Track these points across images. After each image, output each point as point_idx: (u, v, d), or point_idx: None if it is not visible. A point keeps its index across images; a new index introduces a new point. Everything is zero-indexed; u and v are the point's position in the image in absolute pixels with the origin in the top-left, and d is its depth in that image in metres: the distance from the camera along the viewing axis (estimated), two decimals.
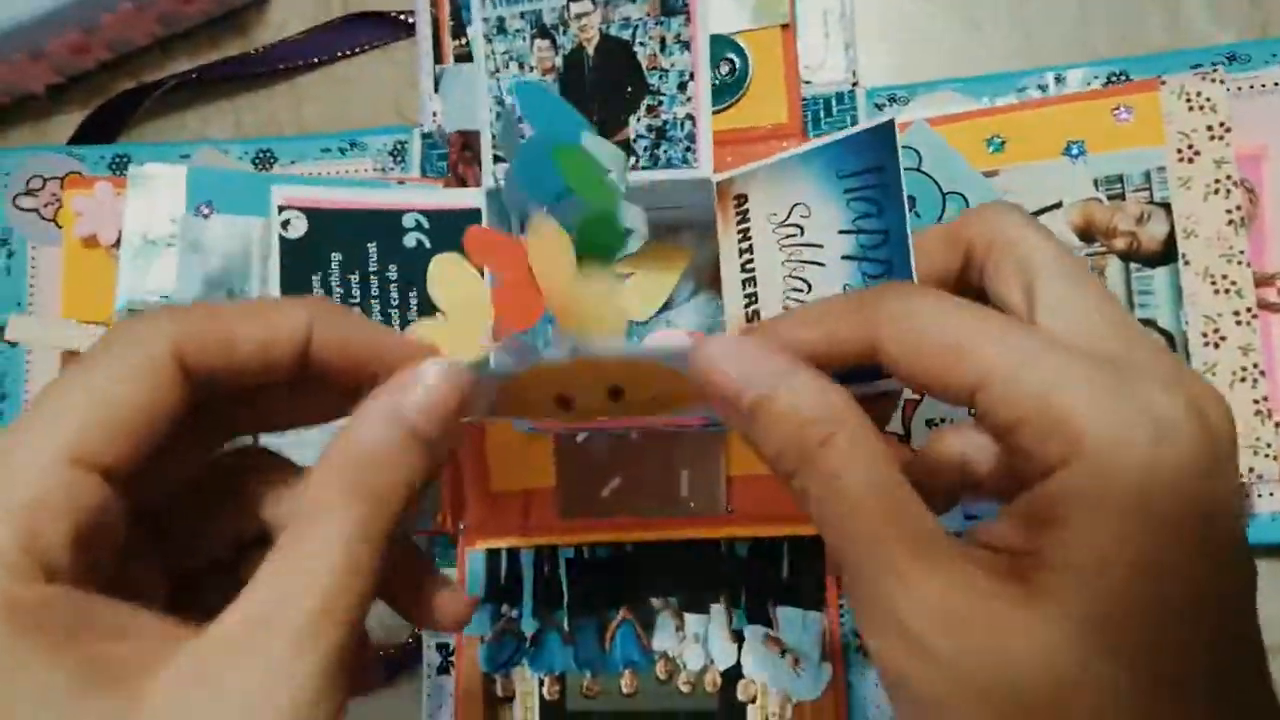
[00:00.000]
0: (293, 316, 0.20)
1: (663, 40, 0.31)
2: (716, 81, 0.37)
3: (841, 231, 0.29)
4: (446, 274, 0.29)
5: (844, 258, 0.29)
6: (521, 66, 0.31)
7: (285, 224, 0.30)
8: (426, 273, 0.31)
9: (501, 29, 0.31)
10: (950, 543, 0.19)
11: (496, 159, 0.31)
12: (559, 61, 0.31)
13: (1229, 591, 0.18)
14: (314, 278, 0.30)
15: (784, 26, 0.38)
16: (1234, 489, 0.19)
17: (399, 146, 0.40)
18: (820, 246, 0.29)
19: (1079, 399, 0.18)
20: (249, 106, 0.43)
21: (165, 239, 0.37)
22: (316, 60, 0.42)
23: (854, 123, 0.38)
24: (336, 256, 0.30)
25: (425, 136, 0.40)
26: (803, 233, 0.30)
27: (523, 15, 0.31)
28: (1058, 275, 0.20)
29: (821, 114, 0.38)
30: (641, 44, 0.31)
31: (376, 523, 0.18)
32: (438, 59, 0.40)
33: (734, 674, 0.35)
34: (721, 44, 0.38)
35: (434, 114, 0.39)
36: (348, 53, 0.42)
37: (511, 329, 0.28)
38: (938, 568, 0.18)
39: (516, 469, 0.37)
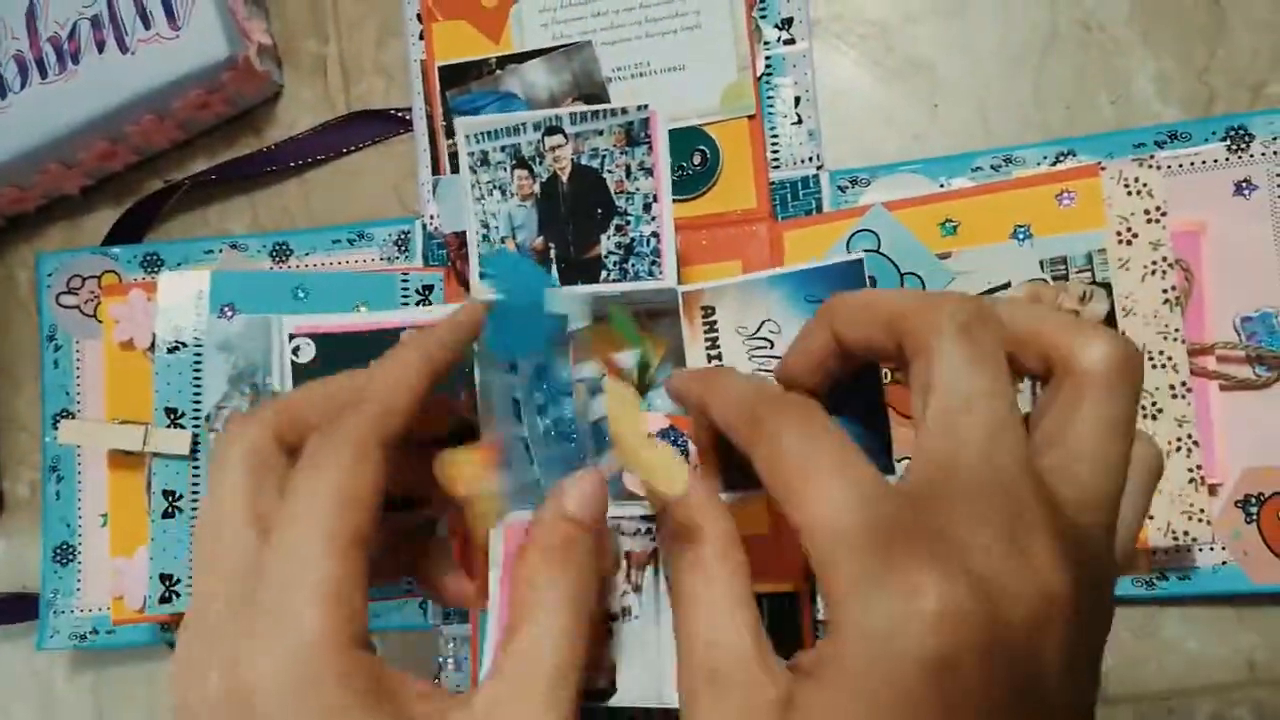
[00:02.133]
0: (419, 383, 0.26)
1: (628, 168, 0.34)
2: (690, 171, 0.41)
3: None
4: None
5: None
6: (504, 193, 0.34)
7: (295, 350, 0.34)
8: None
9: (485, 161, 0.34)
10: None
11: (482, 275, 0.35)
12: (537, 188, 0.34)
13: None
14: None
15: (750, 117, 0.41)
16: (1021, 657, 0.19)
17: (403, 236, 0.44)
18: None
19: (839, 582, 0.19)
20: (264, 200, 0.46)
21: (193, 341, 0.41)
22: (323, 156, 0.45)
23: (819, 206, 0.40)
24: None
25: (424, 226, 0.43)
26: (772, 346, 0.33)
27: (503, 149, 0.34)
28: (940, 411, 0.21)
29: (789, 197, 0.41)
30: (609, 171, 0.34)
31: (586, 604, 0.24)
32: (433, 154, 0.43)
33: None
34: (693, 136, 0.41)
35: (432, 216, 0.42)
36: (352, 148, 0.45)
37: None
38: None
39: None
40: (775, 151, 0.41)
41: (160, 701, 0.46)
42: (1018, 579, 0.19)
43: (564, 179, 0.34)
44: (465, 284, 0.41)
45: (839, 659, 0.19)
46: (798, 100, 0.41)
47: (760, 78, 0.41)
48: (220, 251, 0.44)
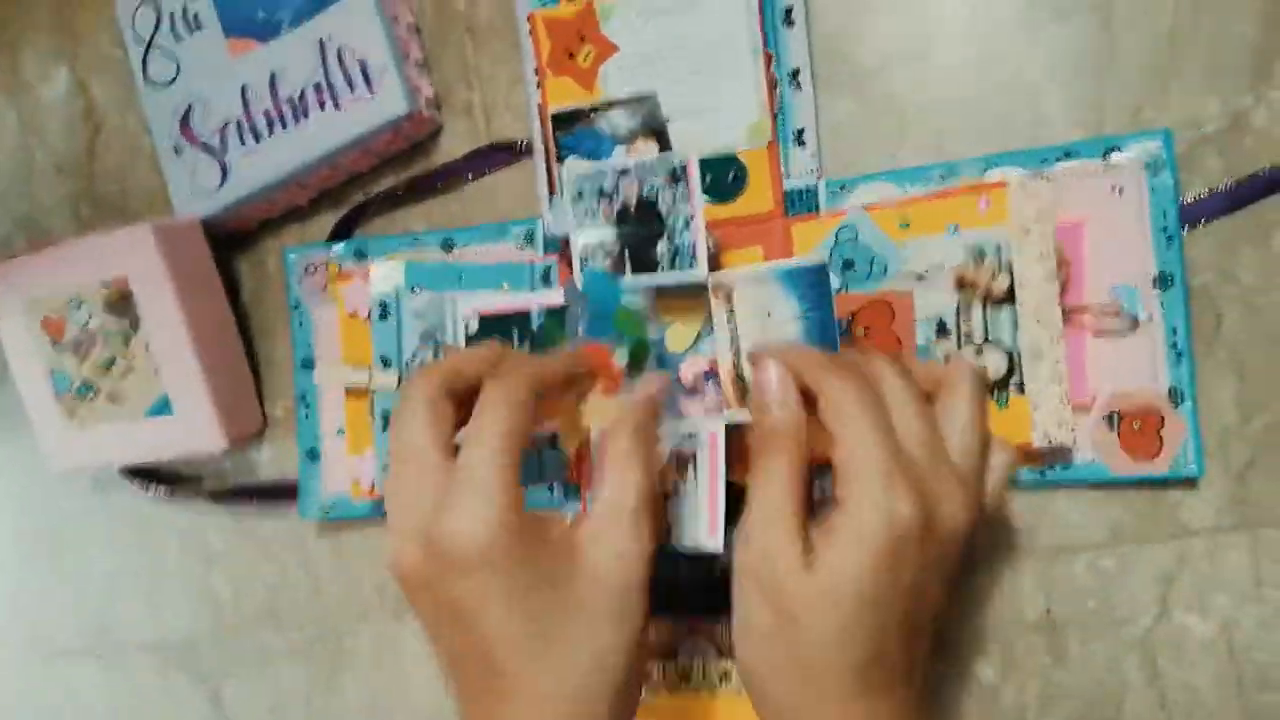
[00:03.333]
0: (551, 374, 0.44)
1: (674, 197, 0.51)
2: (726, 185, 0.57)
3: (794, 317, 0.49)
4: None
5: (796, 335, 0.49)
6: (593, 215, 0.52)
7: (467, 324, 0.53)
8: (548, 343, 0.53)
9: (581, 195, 0.52)
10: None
11: (580, 269, 0.53)
12: (615, 212, 0.52)
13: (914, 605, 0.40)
14: None
15: (768, 145, 0.57)
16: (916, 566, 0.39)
17: (529, 233, 0.62)
18: (781, 325, 0.50)
19: (860, 488, 0.40)
20: (435, 207, 0.65)
21: (395, 310, 0.61)
22: (473, 174, 0.64)
23: (816, 207, 0.57)
24: (497, 338, 0.53)
25: (544, 226, 0.62)
26: (770, 316, 0.50)
27: (592, 186, 0.52)
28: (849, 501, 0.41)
29: (796, 201, 0.57)
30: (661, 200, 0.51)
31: (653, 465, 0.43)
32: (549, 174, 0.61)
33: None
34: (728, 160, 0.57)
35: (548, 224, 0.61)
36: (492, 169, 0.64)
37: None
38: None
39: None
40: (786, 168, 0.57)
41: (378, 550, 0.67)
42: (944, 505, 0.40)
43: (632, 205, 0.52)
44: (571, 268, 0.60)
45: (850, 526, 0.39)
46: (802, 130, 0.57)
47: (775, 115, 0.57)
48: (408, 245, 0.64)
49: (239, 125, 0.65)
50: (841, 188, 0.56)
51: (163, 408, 0.65)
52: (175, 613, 0.73)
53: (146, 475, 0.71)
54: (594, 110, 0.60)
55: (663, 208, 0.51)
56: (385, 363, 0.60)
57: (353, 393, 0.62)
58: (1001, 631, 0.54)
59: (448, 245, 0.64)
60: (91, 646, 0.76)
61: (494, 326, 0.53)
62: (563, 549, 0.39)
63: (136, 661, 0.75)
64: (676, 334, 0.55)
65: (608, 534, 0.40)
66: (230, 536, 0.71)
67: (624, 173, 0.52)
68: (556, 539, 0.40)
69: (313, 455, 0.65)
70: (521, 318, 0.53)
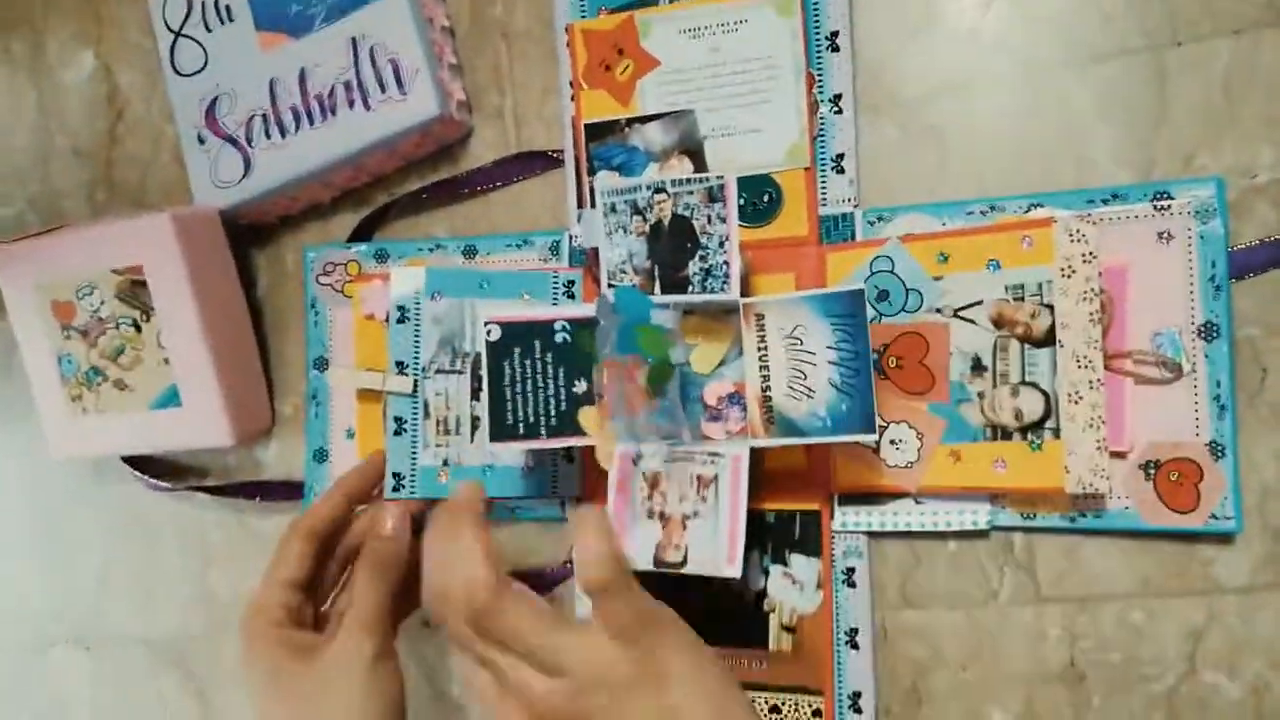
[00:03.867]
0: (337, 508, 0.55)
1: (709, 216, 0.50)
2: (760, 206, 0.56)
3: (828, 346, 0.48)
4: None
5: (829, 363, 0.48)
6: (625, 231, 0.51)
7: (489, 332, 0.52)
8: (570, 357, 0.52)
9: (614, 209, 0.51)
10: None
11: (610, 285, 0.52)
12: (647, 229, 0.51)
13: None
14: (505, 363, 0.52)
15: (806, 168, 0.56)
16: None
17: (554, 244, 0.61)
18: (813, 353, 0.48)
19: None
20: (458, 212, 0.64)
21: (414, 315, 0.59)
22: (501, 182, 0.63)
23: (853, 236, 0.55)
24: (517, 349, 0.52)
25: (571, 238, 0.60)
26: (802, 343, 0.49)
27: (625, 201, 0.51)
28: None
29: (832, 228, 0.56)
30: (696, 219, 0.50)
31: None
32: (578, 187, 0.60)
33: (762, 595, 0.56)
34: (763, 181, 0.56)
35: (575, 235, 0.59)
36: (520, 178, 0.63)
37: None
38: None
39: None
40: (823, 193, 0.56)
41: None
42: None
43: (665, 222, 0.51)
44: (597, 282, 0.59)
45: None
46: (842, 156, 0.56)
47: (815, 138, 0.56)
48: (430, 250, 0.63)
49: (265, 119, 0.63)
50: (879, 218, 0.55)
51: (170, 399, 0.63)
52: (170, 608, 0.72)
53: (149, 466, 0.70)
54: (629, 124, 0.58)
55: (697, 227, 0.50)
56: (400, 367, 0.59)
57: (365, 396, 0.61)
58: (1021, 681, 0.53)
59: (470, 252, 0.62)
60: (83, 637, 0.75)
61: (516, 337, 0.52)
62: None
63: (127, 655, 0.73)
64: (702, 355, 0.54)
65: (344, 644, 0.48)
66: (231, 534, 0.70)
67: (659, 189, 0.50)
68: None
69: (320, 456, 0.64)
70: (544, 329, 0.52)
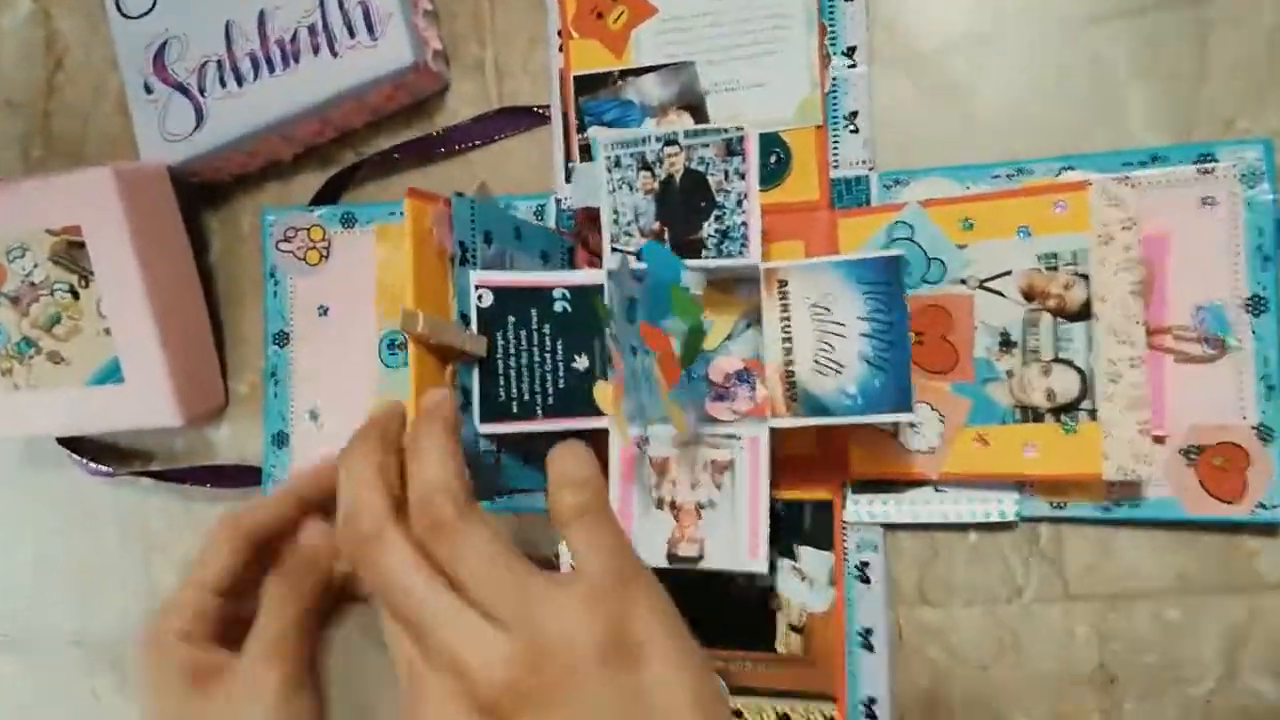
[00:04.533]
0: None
1: (726, 172, 0.45)
2: (766, 169, 0.52)
3: (859, 317, 0.44)
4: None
5: (860, 335, 0.43)
6: (631, 188, 0.46)
7: (479, 296, 0.46)
8: (570, 328, 0.47)
9: (618, 163, 0.46)
10: None
11: (613, 249, 0.47)
12: (656, 186, 0.46)
13: None
14: (498, 334, 0.46)
15: (818, 126, 0.51)
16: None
17: (540, 209, 0.56)
18: (843, 324, 0.44)
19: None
20: (435, 174, 0.59)
21: (473, 255, 0.54)
22: (480, 141, 0.58)
23: (867, 200, 0.51)
24: (511, 318, 0.47)
25: (558, 202, 0.55)
26: (830, 313, 0.44)
27: (631, 155, 0.46)
28: None
29: (844, 192, 0.51)
30: (712, 175, 0.45)
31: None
32: (567, 145, 0.55)
33: (768, 591, 0.51)
34: (771, 140, 0.52)
35: (565, 197, 0.54)
36: (502, 136, 0.57)
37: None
38: None
39: None
40: (835, 154, 0.52)
41: None
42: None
43: (677, 178, 0.46)
44: (589, 249, 0.54)
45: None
46: (855, 113, 0.51)
47: (827, 94, 0.51)
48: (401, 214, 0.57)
49: (220, 65, 0.57)
50: (896, 181, 0.51)
51: (112, 374, 0.57)
52: (108, 605, 0.65)
53: (86, 448, 0.64)
54: (623, 76, 0.53)
55: (713, 183, 0.45)
56: (465, 321, 0.48)
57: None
58: (1049, 683, 0.49)
59: None
60: (13, 638, 0.68)
61: (509, 304, 0.46)
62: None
63: (62, 657, 0.67)
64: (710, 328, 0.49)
65: (246, 674, 0.37)
66: (176, 523, 0.64)
67: (671, 141, 0.46)
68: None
69: (280, 440, 0.58)
70: (543, 296, 0.46)
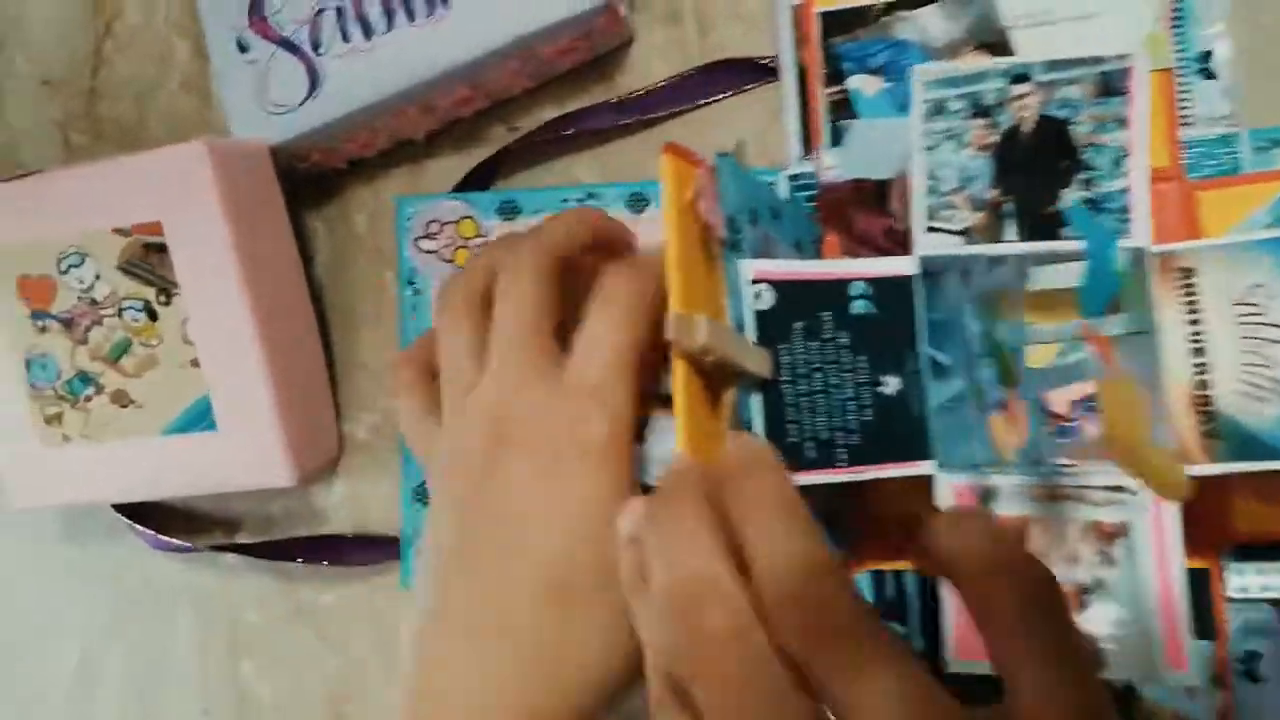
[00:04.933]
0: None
1: (1100, 120, 0.32)
2: None
3: None
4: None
5: None
6: (958, 142, 0.33)
7: (757, 295, 0.33)
8: (874, 338, 0.33)
9: (940, 109, 0.33)
10: None
11: (931, 229, 0.34)
12: (997, 139, 0.33)
13: None
14: (781, 347, 0.33)
15: (1165, 71, 0.39)
16: None
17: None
18: None
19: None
20: (615, 151, 0.46)
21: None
22: (675, 109, 0.45)
23: (1237, 168, 0.38)
24: (798, 324, 0.33)
25: (792, 179, 0.42)
26: (1263, 313, 0.31)
27: (962, 96, 0.33)
28: None
29: (1201, 158, 0.39)
30: (1078, 123, 0.32)
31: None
32: (805, 106, 0.42)
33: (1129, 693, 0.38)
34: None
35: (822, 167, 0.41)
36: (710, 100, 0.44)
37: None
38: None
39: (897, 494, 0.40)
40: (1187, 107, 0.39)
41: None
42: None
43: (1025, 130, 0.33)
44: (851, 235, 0.40)
45: None
46: (1209, 54, 0.39)
47: (1173, 26, 0.39)
48: (579, 202, 0.44)
49: (340, 14, 0.44)
50: (1275, 142, 0.38)
51: (200, 419, 0.43)
52: (186, 719, 0.51)
53: (149, 514, 0.49)
54: (889, 9, 0.41)
55: (1078, 136, 0.32)
56: (740, 328, 0.33)
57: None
58: None
59: (636, 203, 0.44)
60: None
61: (794, 304, 0.33)
62: None
63: None
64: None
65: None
66: (273, 615, 0.49)
67: (1020, 77, 0.33)
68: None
69: (423, 495, 0.45)
70: (836, 292, 0.33)
